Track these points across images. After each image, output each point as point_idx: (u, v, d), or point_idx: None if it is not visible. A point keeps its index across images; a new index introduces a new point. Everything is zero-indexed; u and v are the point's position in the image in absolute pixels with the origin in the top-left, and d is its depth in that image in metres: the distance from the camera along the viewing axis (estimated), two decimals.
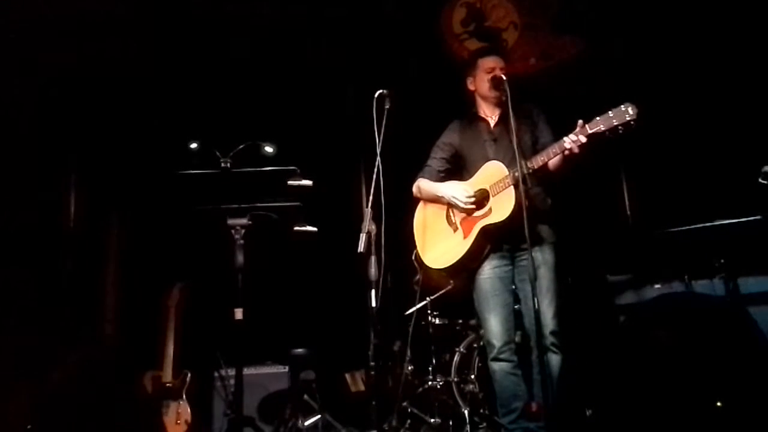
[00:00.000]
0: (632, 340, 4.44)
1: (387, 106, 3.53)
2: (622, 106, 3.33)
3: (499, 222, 3.59)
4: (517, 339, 3.78)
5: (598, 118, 3.39)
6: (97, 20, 5.12)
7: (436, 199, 3.91)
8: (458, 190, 3.74)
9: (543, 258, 3.61)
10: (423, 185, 3.96)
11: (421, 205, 4.03)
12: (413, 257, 4.25)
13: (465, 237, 3.73)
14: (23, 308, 4.80)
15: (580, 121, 3.42)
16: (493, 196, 3.65)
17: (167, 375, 4.64)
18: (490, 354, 3.68)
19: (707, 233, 4.22)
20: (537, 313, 3.25)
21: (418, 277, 4.66)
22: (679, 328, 4.20)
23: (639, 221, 5.41)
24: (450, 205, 3.86)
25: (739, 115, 5.01)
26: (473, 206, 3.70)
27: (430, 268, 3.91)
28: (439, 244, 3.87)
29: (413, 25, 5.69)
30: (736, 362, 3.91)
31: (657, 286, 4.66)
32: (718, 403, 3.85)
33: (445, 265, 3.82)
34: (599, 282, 4.94)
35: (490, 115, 3.92)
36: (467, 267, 3.79)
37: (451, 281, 4.74)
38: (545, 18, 5.68)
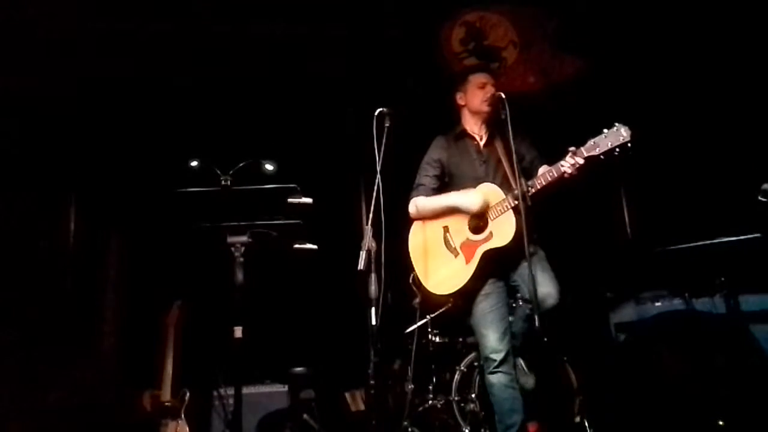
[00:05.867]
0: (633, 358, 4.43)
1: (387, 124, 3.55)
2: (615, 126, 3.34)
3: (501, 247, 3.60)
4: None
5: (593, 140, 3.40)
6: (96, 39, 5.15)
7: (440, 214, 3.88)
8: (474, 198, 3.69)
9: (533, 260, 3.57)
10: (423, 202, 3.92)
11: (417, 226, 4.00)
12: (411, 280, 4.24)
13: (467, 262, 3.73)
14: (24, 327, 4.78)
15: (572, 148, 3.44)
16: (491, 220, 3.65)
17: (166, 394, 4.61)
18: (488, 368, 3.69)
19: (707, 251, 4.22)
20: (542, 327, 3.28)
21: (417, 299, 4.67)
22: (680, 346, 4.19)
23: (639, 239, 5.41)
24: (446, 229, 3.86)
25: (738, 133, 5.03)
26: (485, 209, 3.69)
27: (433, 293, 3.89)
28: (441, 269, 3.85)
29: (413, 45, 5.72)
30: (738, 380, 3.90)
31: (657, 303, 4.66)
32: (720, 422, 3.83)
33: (450, 291, 3.81)
34: (599, 300, 4.94)
35: (479, 133, 3.93)
36: (470, 291, 3.79)
37: (451, 300, 4.74)
38: (544, 37, 5.71)
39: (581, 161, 3.41)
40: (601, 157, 3.38)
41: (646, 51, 5.36)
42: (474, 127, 3.95)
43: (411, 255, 3.99)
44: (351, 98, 5.48)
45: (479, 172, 3.84)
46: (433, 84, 5.62)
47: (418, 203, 3.95)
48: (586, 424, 4.36)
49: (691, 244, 4.28)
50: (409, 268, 4.00)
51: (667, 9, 5.22)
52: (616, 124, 3.35)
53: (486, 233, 3.67)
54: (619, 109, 5.06)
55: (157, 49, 5.39)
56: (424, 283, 3.92)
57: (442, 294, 3.85)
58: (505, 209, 3.59)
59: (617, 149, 3.34)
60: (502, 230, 3.60)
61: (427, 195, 3.94)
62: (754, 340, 4.06)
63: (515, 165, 3.47)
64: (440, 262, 3.85)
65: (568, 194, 3.71)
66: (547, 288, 3.53)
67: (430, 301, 4.71)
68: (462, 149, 3.93)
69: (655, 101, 5.27)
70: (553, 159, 3.57)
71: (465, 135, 3.96)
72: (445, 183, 3.95)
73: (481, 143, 3.90)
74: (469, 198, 3.71)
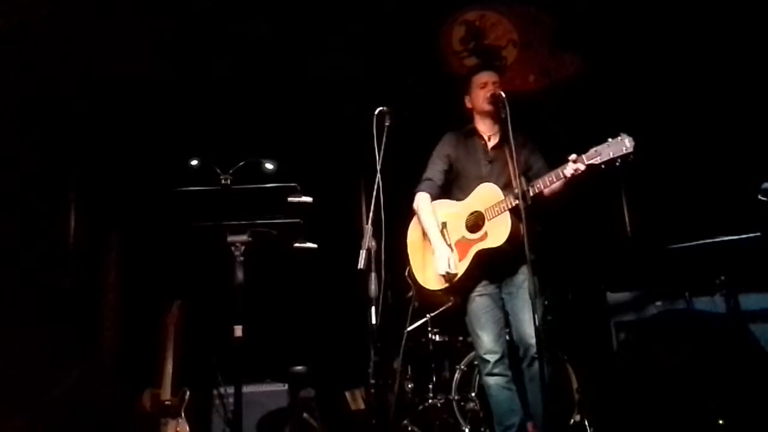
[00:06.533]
0: (633, 357, 4.43)
1: (387, 123, 3.55)
2: (619, 137, 3.33)
3: (494, 247, 3.60)
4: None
5: (595, 149, 3.39)
6: (96, 39, 5.15)
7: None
8: (443, 261, 3.70)
9: (525, 277, 3.58)
10: (422, 210, 3.93)
11: (416, 220, 4.02)
12: (407, 274, 4.25)
13: (460, 260, 3.74)
14: (23, 326, 4.78)
15: (573, 156, 3.43)
16: (488, 220, 3.66)
17: (166, 393, 4.61)
18: (483, 370, 3.71)
19: (708, 250, 4.22)
20: (537, 330, 3.26)
21: (411, 293, 4.68)
22: (680, 345, 4.19)
23: (639, 238, 5.41)
24: (444, 225, 3.86)
25: (738, 132, 5.03)
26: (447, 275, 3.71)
27: (425, 288, 3.91)
28: (433, 264, 3.86)
29: (413, 44, 5.72)
30: (738, 380, 3.90)
31: (658, 303, 4.66)
32: (720, 421, 3.83)
33: (440, 287, 3.82)
34: (599, 299, 4.94)
35: (488, 133, 3.93)
36: (461, 288, 3.80)
37: (451, 298, 4.74)
38: (544, 36, 5.71)
39: (582, 167, 3.41)
40: (602, 166, 3.37)
41: (647, 50, 5.35)
42: (482, 127, 3.95)
43: (408, 248, 4.01)
44: (351, 98, 5.48)
45: (483, 171, 3.84)
46: (434, 83, 5.63)
47: (419, 205, 3.95)
48: (586, 423, 4.36)
49: (691, 243, 4.28)
50: (407, 261, 4.02)
51: (667, 8, 5.22)
52: (621, 134, 3.33)
53: (481, 233, 3.68)
54: (619, 109, 5.12)
55: (157, 49, 5.38)
56: (417, 277, 3.94)
57: (432, 289, 3.86)
58: (503, 210, 3.59)
59: (618, 160, 3.33)
60: (497, 231, 3.60)
61: (432, 190, 3.94)
62: (754, 340, 4.06)
63: (514, 164, 3.46)
64: (434, 257, 3.86)
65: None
66: (530, 329, 3.45)
67: (431, 299, 4.73)
68: (470, 148, 3.94)
69: (656, 100, 5.27)
70: (556, 163, 3.57)
71: (474, 134, 3.96)
72: (451, 179, 3.95)
73: (490, 144, 3.90)
74: (441, 260, 3.71)
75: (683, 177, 5.18)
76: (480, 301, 3.74)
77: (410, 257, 4.00)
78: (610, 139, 3.35)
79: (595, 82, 5.52)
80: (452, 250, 3.78)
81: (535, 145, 3.89)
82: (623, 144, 3.30)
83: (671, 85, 5.31)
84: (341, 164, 5.71)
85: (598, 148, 3.38)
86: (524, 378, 3.65)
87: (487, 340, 3.68)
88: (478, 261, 3.69)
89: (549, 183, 3.50)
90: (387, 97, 3.70)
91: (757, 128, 4.91)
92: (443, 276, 3.72)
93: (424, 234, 3.94)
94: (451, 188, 3.95)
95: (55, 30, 4.95)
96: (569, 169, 3.43)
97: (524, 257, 3.31)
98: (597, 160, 3.36)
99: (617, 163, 3.33)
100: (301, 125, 5.70)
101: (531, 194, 3.51)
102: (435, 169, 3.97)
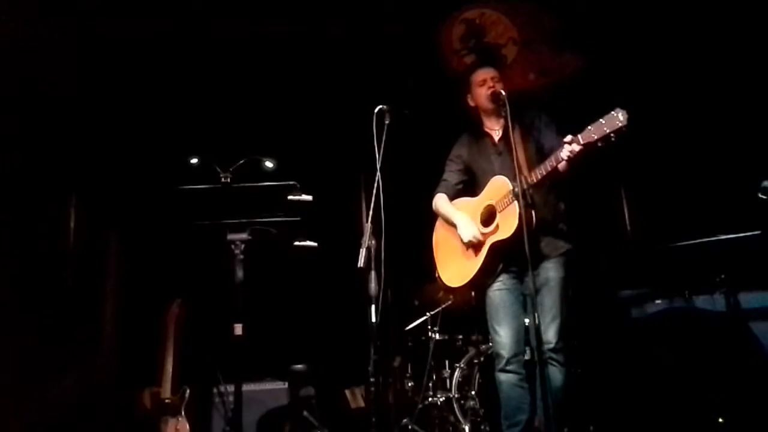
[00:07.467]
0: (633, 356, 4.43)
1: (387, 122, 3.56)
2: (613, 111, 3.32)
3: (506, 238, 3.59)
4: (527, 356, 3.76)
5: (590, 127, 3.37)
6: (96, 38, 5.15)
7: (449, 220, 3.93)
8: (467, 229, 3.74)
9: (548, 275, 3.60)
10: (440, 206, 3.98)
11: (438, 222, 4.04)
12: (437, 276, 4.22)
13: (476, 255, 3.73)
14: (23, 325, 4.79)
15: (569, 137, 3.42)
16: (499, 212, 3.65)
17: (166, 391, 4.62)
18: (498, 365, 3.66)
19: (708, 248, 4.22)
20: (537, 329, 3.24)
21: (440, 294, 4.69)
22: (681, 344, 4.20)
23: (639, 237, 5.41)
24: None
25: (738, 131, 5.03)
26: (472, 243, 3.71)
27: (448, 286, 3.90)
28: (453, 262, 3.87)
29: (413, 43, 5.72)
30: (738, 378, 3.90)
31: (658, 301, 4.66)
32: (720, 419, 3.84)
33: (460, 284, 3.81)
34: (599, 298, 4.94)
35: (495, 128, 3.94)
36: (481, 284, 3.78)
37: (451, 296, 4.75)
38: (544, 34, 5.71)
39: (578, 148, 3.39)
40: (599, 144, 3.36)
41: (646, 48, 5.36)
42: (489, 123, 3.97)
43: (434, 251, 4.03)
44: (351, 96, 5.48)
45: (495, 166, 3.84)
46: (434, 81, 5.63)
47: (437, 202, 4.00)
48: (587, 423, 4.36)
49: (691, 242, 4.28)
50: (434, 265, 4.02)
51: (667, 7, 5.22)
52: (616, 108, 3.33)
53: (493, 225, 3.67)
54: (619, 106, 5.11)
55: (157, 48, 5.38)
56: (441, 276, 3.94)
57: (455, 286, 3.85)
58: (511, 201, 3.58)
59: (613, 135, 3.32)
60: (507, 221, 3.58)
61: (448, 190, 3.98)
62: (755, 338, 4.07)
63: (515, 160, 3.46)
64: (453, 255, 3.87)
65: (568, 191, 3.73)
66: (544, 335, 3.42)
67: (430, 297, 4.73)
68: (481, 146, 3.95)
69: (656, 98, 5.27)
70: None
71: (482, 132, 3.98)
72: (469, 179, 3.98)
73: (497, 137, 3.91)
74: (465, 229, 3.74)
75: (683, 175, 5.18)
76: (499, 296, 3.71)
77: (435, 258, 4.01)
78: (604, 116, 3.35)
79: (594, 81, 5.51)
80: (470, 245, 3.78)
81: (545, 120, 3.86)
82: (617, 118, 3.28)
83: (672, 84, 5.31)
84: (341, 162, 5.71)
85: (592, 126, 3.36)
86: (535, 383, 3.61)
87: (504, 335, 3.65)
88: (492, 254, 3.67)
89: (550, 167, 3.47)
90: (387, 96, 3.70)
91: (757, 127, 4.90)
92: (471, 242, 3.70)
93: (445, 233, 3.96)
94: (473, 188, 3.96)
95: (54, 30, 4.96)
96: (565, 152, 3.41)
97: (542, 250, 3.35)
98: (593, 138, 3.34)
99: (612, 138, 3.32)
100: (301, 123, 5.69)
101: (535, 181, 3.50)
102: (449, 170, 4.02)
